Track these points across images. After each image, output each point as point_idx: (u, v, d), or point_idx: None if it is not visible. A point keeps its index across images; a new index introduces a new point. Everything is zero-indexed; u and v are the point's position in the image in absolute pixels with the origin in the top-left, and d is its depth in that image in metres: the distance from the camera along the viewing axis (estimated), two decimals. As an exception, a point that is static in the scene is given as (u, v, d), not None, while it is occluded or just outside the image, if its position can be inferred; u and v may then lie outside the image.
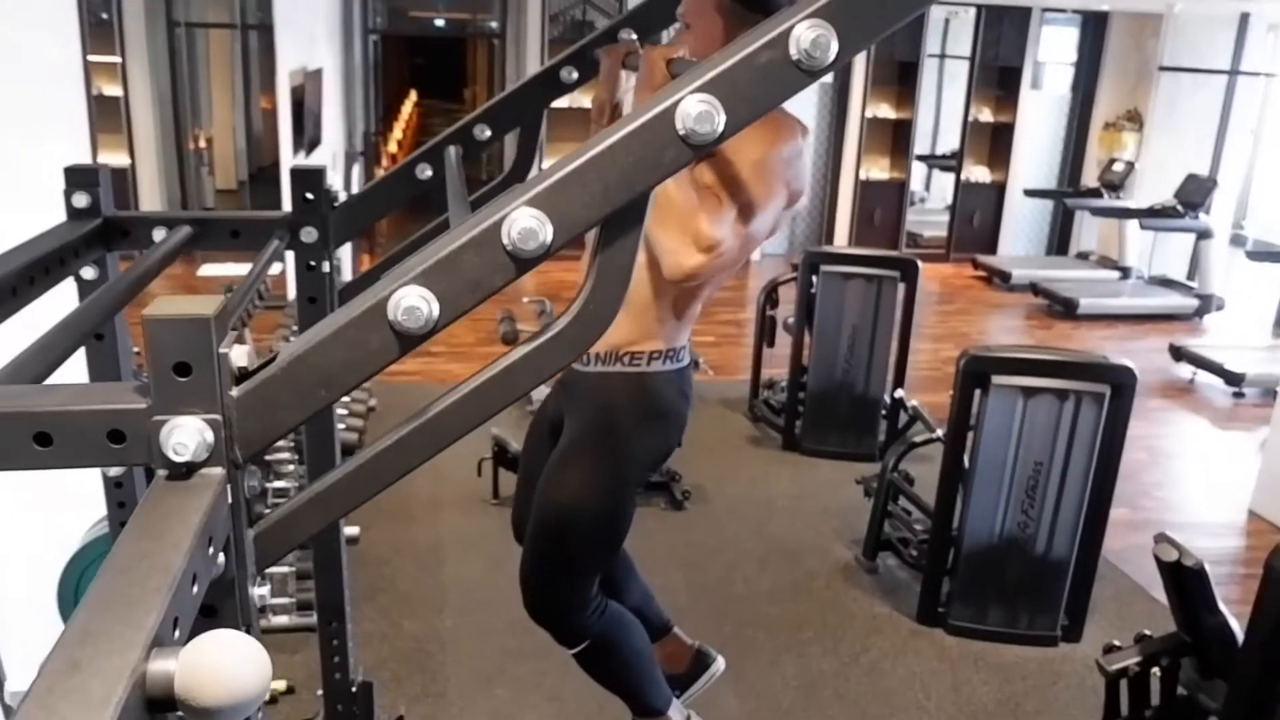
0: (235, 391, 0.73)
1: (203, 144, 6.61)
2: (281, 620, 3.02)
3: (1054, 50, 9.06)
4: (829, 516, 4.06)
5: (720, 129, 0.74)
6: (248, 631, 0.79)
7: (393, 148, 9.35)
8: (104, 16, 4.43)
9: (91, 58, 4.10)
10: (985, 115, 8.98)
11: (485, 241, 0.73)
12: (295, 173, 1.40)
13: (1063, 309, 7.37)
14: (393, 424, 0.79)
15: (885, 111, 8.80)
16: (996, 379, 3.06)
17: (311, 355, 0.74)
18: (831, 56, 0.73)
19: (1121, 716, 2.44)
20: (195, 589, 0.64)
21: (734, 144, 1.62)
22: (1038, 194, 8.71)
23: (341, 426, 3.82)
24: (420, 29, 11.01)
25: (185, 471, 0.71)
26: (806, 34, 0.72)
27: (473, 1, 9.74)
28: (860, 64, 8.47)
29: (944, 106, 9.45)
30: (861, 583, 3.58)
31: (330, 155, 6.25)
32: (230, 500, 0.74)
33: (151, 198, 6.59)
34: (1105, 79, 8.82)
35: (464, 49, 14.23)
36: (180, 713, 0.54)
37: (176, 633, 0.59)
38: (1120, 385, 3.03)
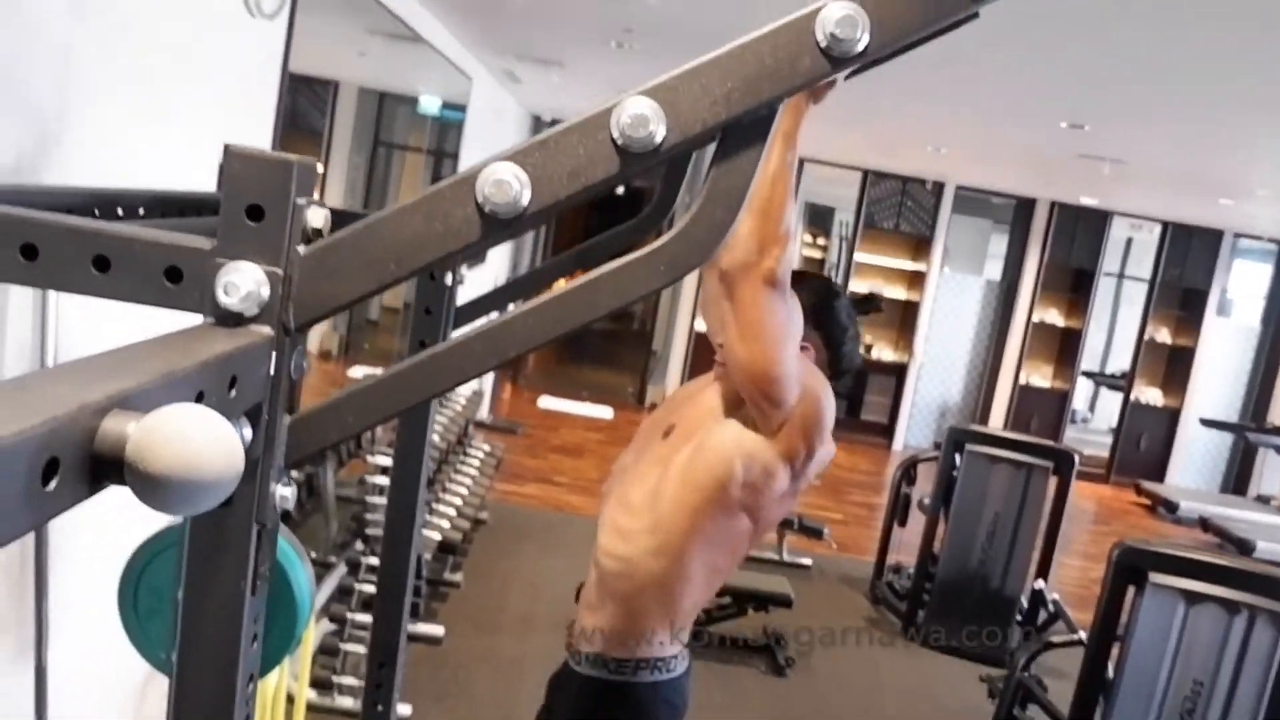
0: (303, 249, 0.67)
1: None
2: (346, 703, 2.91)
3: (1245, 280, 8.68)
4: (945, 714, 3.68)
5: (863, 42, 0.67)
6: (260, 531, 0.71)
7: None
8: (318, 131, 4.79)
9: (299, 161, 4.46)
10: (1163, 336, 8.59)
11: (592, 126, 0.67)
12: (421, 283, 1.41)
13: (1235, 550, 6.72)
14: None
15: (1053, 317, 8.55)
16: (1155, 577, 2.74)
17: (388, 223, 0.68)
18: (1001, -25, 0.66)
19: None
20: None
21: None
22: (1216, 425, 8.15)
23: (446, 525, 3.78)
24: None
25: (232, 321, 0.66)
26: (975, -55, 0.66)
27: (655, 173, 10.20)
28: (1031, 265, 8.32)
29: (1118, 326, 9.11)
30: (974, 791, 3.19)
31: (492, 279, 6.51)
32: (273, 368, 0.68)
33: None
34: (1299, 315, 8.34)
35: (641, 206, 15.05)
36: (126, 485, 0.46)
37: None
38: (1301, 608, 2.66)
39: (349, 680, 2.92)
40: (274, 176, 0.67)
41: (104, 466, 0.45)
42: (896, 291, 8.62)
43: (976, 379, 8.69)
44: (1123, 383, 8.64)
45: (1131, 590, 2.80)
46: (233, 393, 0.61)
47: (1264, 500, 8.08)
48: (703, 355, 7.04)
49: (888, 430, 8.62)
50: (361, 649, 2.96)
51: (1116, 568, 2.81)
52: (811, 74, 0.68)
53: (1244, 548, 6.65)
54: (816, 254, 9.51)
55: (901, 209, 8.31)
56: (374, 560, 3.10)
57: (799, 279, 1.65)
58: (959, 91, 3.97)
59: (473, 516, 4.24)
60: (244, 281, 0.65)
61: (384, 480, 3.86)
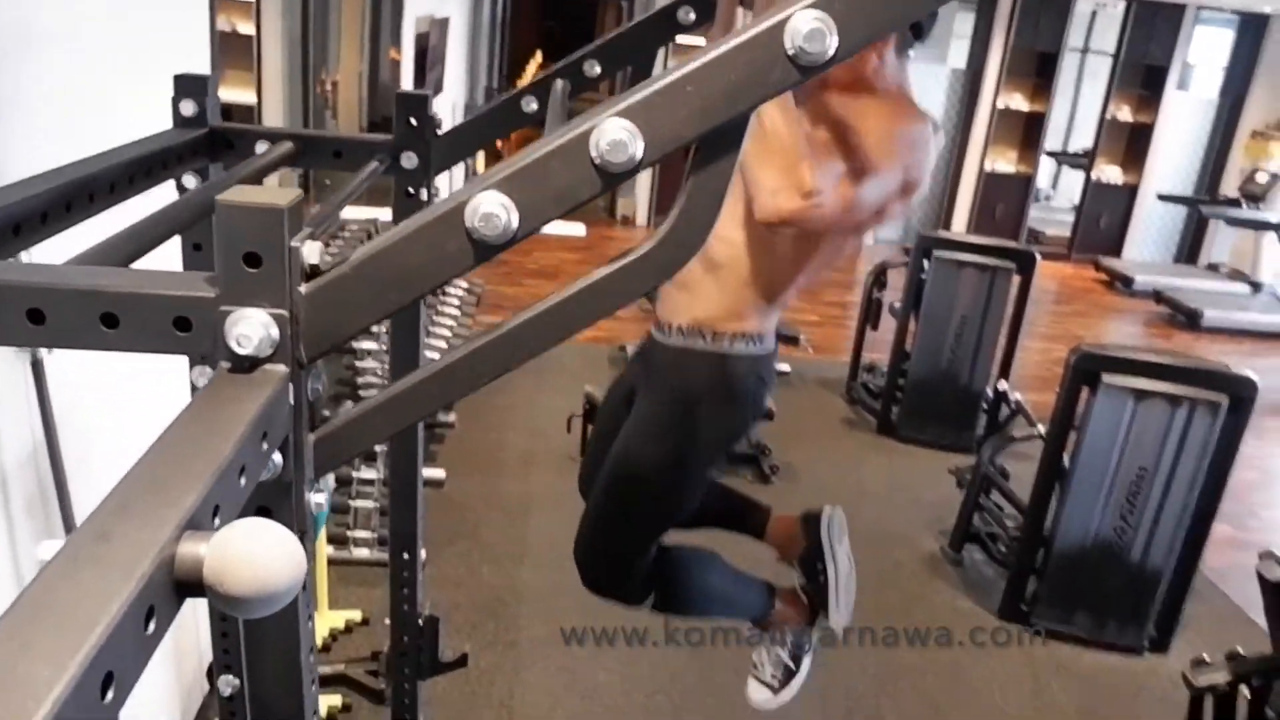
0: (304, 288, 0.71)
1: (328, 87, 6.67)
2: (363, 553, 3.09)
3: (1206, 51, 8.56)
4: (920, 506, 3.95)
5: (832, 50, 0.69)
6: (301, 538, 0.78)
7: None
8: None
9: (229, -8, 4.19)
10: (1124, 114, 8.55)
11: (572, 151, 0.70)
12: (401, 97, 1.39)
13: (1186, 320, 7.00)
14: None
15: (1018, 103, 8.46)
16: (1108, 378, 2.91)
17: (385, 256, 0.72)
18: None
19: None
20: (243, 481, 0.62)
21: (859, 110, 1.56)
22: (1172, 200, 8.27)
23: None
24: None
25: (248, 366, 0.70)
26: (933, -50, 0.67)
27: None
28: (996, 51, 8.15)
29: (1081, 102, 9.04)
30: (945, 575, 3.48)
31: (450, 105, 6.33)
32: (292, 400, 0.73)
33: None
34: (1258, 85, 8.30)
35: (595, 15, 14.33)
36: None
37: (217, 521, 0.57)
38: (1239, 397, 2.85)
39: (362, 534, 3.09)
40: (266, 223, 0.68)
41: (186, 587, 0.52)
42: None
43: (942, 168, 8.67)
44: (1085, 161, 8.67)
45: (1086, 391, 2.99)
46: (264, 444, 0.67)
47: (1214, 268, 8.32)
48: (672, 167, 6.99)
49: (855, 226, 8.67)
50: (370, 504, 3.12)
51: (1073, 371, 2.98)
52: (782, 84, 0.70)
53: (1193, 317, 6.94)
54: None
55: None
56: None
57: None
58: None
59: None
60: (253, 329, 0.69)
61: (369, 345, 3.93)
